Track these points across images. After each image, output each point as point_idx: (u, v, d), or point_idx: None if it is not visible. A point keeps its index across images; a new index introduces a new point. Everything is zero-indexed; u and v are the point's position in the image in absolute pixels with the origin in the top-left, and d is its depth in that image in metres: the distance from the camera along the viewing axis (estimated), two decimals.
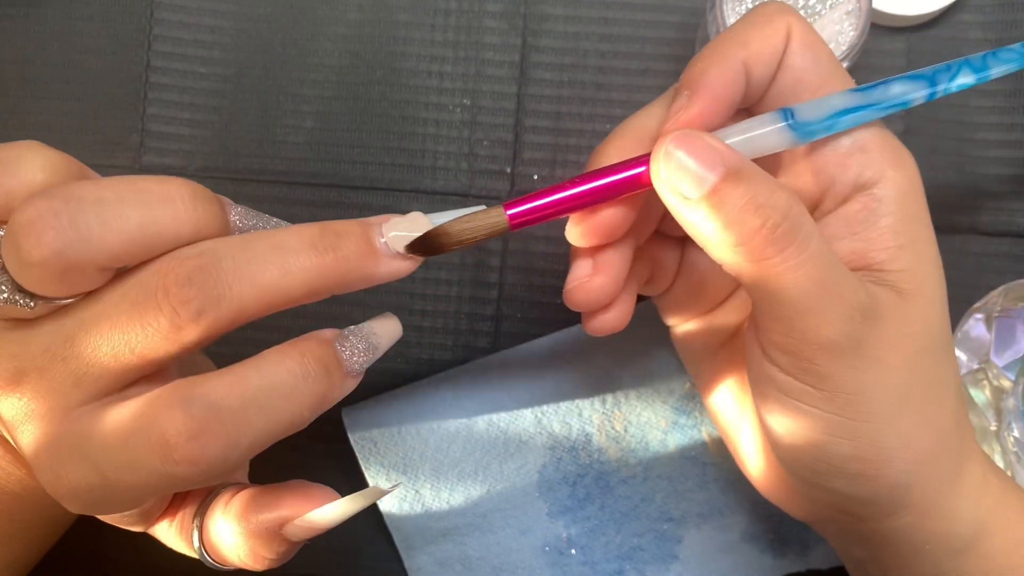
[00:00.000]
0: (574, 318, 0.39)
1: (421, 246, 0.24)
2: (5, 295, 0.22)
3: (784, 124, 0.24)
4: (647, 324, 0.38)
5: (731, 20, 0.35)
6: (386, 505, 0.38)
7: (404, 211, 0.39)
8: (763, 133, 0.25)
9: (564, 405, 0.38)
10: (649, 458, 0.38)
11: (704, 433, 0.38)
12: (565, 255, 0.40)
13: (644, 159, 0.25)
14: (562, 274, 0.40)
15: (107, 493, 0.23)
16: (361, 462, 0.38)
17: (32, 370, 0.22)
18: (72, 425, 0.22)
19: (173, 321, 0.22)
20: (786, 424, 0.26)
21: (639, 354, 0.38)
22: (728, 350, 0.31)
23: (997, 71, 0.26)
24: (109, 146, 0.41)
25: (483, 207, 0.25)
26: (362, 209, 0.40)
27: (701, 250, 0.30)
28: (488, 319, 0.40)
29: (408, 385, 0.38)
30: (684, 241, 0.31)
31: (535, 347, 0.38)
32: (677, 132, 0.23)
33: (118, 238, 0.21)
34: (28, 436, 0.23)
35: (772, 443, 0.27)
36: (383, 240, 0.24)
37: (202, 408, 0.21)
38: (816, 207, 0.26)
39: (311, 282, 0.23)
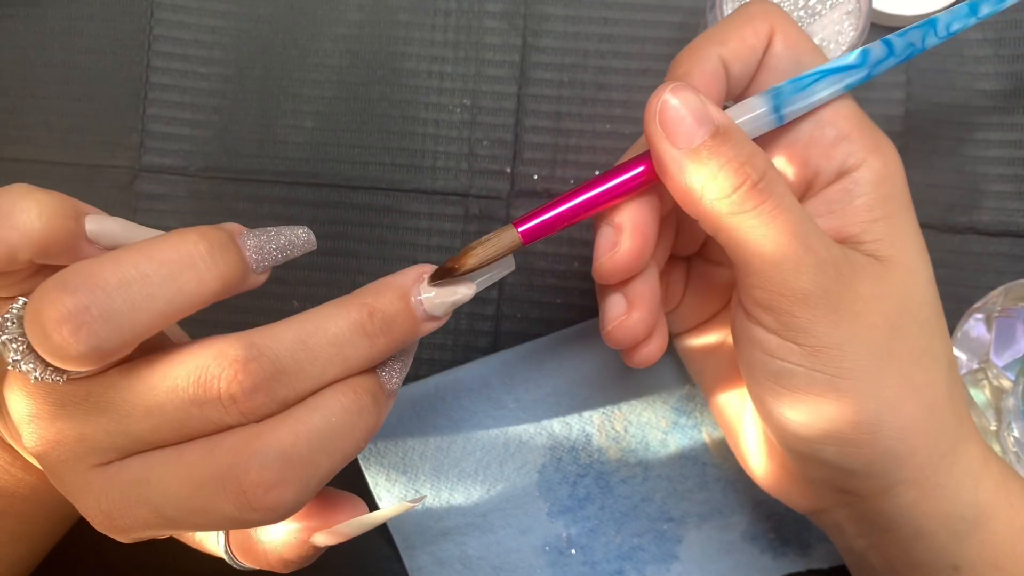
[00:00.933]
0: (574, 318, 0.39)
1: (441, 276, 0.25)
2: (36, 374, 0.21)
3: (762, 96, 0.26)
4: None
5: None
6: (387, 504, 0.38)
7: (404, 211, 0.40)
8: (744, 107, 0.26)
9: (564, 405, 0.38)
10: (649, 458, 0.38)
11: (704, 433, 0.38)
12: (565, 255, 0.40)
13: (639, 161, 0.26)
14: (562, 274, 0.40)
15: (167, 530, 0.23)
16: (361, 461, 0.38)
17: (71, 434, 0.22)
18: (120, 472, 0.23)
19: (239, 421, 0.22)
20: (775, 391, 0.26)
21: None
22: (727, 351, 0.32)
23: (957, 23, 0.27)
24: (109, 146, 0.41)
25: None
26: (363, 209, 0.40)
27: (705, 262, 0.32)
28: (488, 319, 0.40)
29: (408, 385, 0.38)
30: (689, 260, 0.32)
31: (535, 347, 0.38)
32: (676, 83, 0.25)
33: (149, 318, 0.21)
34: (68, 483, 0.23)
35: (764, 417, 0.28)
36: (419, 301, 0.24)
37: (276, 460, 0.22)
38: (803, 196, 0.28)
39: (367, 365, 0.24)
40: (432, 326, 0.25)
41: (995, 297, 0.36)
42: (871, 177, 0.26)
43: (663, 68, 0.40)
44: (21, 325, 0.21)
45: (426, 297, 0.24)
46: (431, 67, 0.40)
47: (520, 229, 0.25)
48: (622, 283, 0.28)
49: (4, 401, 0.24)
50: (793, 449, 0.27)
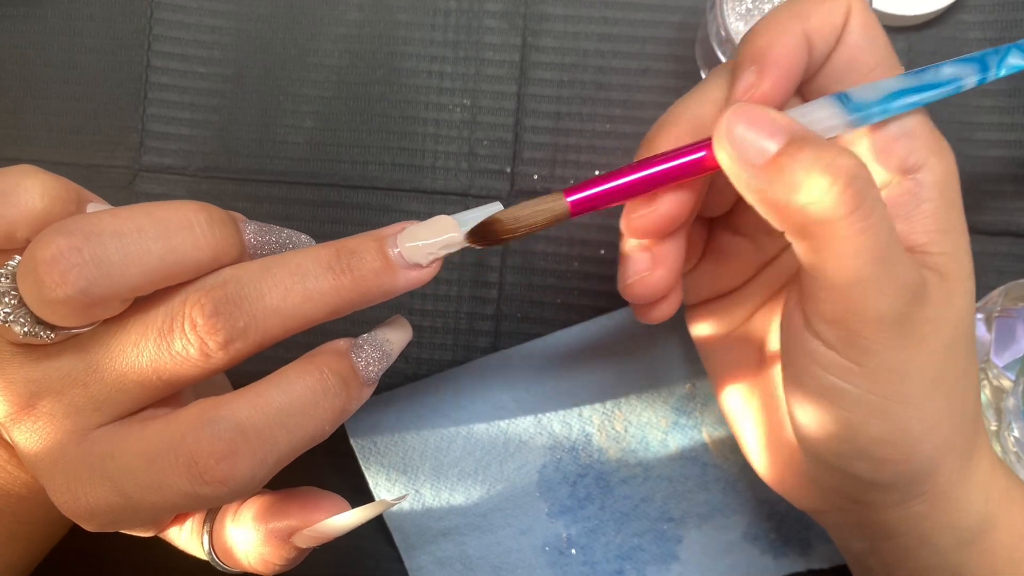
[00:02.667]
0: (574, 318, 0.39)
1: (480, 235, 0.24)
2: (25, 328, 0.22)
3: (840, 107, 0.24)
4: (648, 325, 0.38)
5: (731, 20, 0.35)
6: None
7: (404, 211, 0.40)
8: (819, 116, 0.24)
9: (564, 405, 0.38)
10: (649, 458, 0.38)
11: (704, 433, 0.38)
12: (565, 255, 0.40)
13: (701, 145, 0.25)
14: (562, 274, 0.40)
15: (128, 513, 0.23)
16: (361, 462, 0.38)
17: (49, 393, 0.23)
18: (90, 446, 0.23)
19: (202, 350, 0.22)
20: (818, 403, 0.25)
21: (640, 354, 0.38)
22: (742, 335, 0.31)
23: None
24: (109, 146, 0.41)
25: (499, 208, 0.25)
26: (362, 209, 0.40)
27: (727, 230, 0.30)
28: (488, 319, 0.40)
29: (408, 385, 0.38)
30: (711, 221, 0.31)
31: (535, 347, 0.38)
32: (736, 106, 0.23)
33: (140, 270, 0.21)
34: (42, 457, 0.23)
35: (796, 424, 0.27)
36: (397, 251, 0.24)
37: (229, 429, 0.22)
38: None
39: (332, 303, 0.23)
40: (414, 276, 0.24)
41: (995, 297, 0.36)
42: (935, 180, 0.25)
43: (663, 68, 0.40)
44: (14, 281, 0.21)
45: (406, 245, 0.24)
46: (431, 67, 0.40)
47: (570, 199, 0.24)
48: (653, 241, 0.27)
49: None
50: (820, 458, 0.27)
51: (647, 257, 0.27)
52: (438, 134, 0.40)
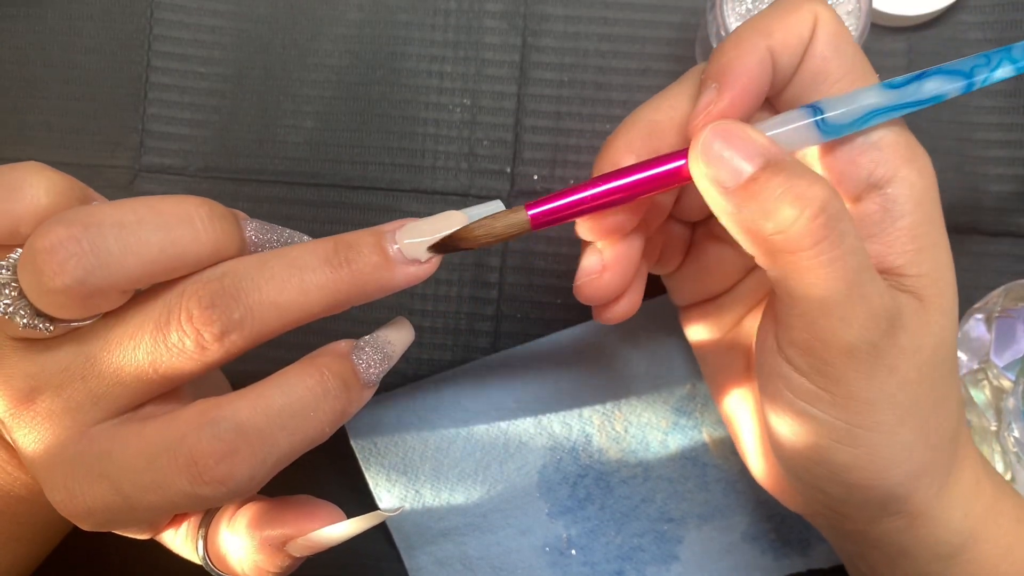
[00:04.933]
0: (574, 318, 0.39)
1: (442, 247, 0.24)
2: (25, 320, 0.22)
3: (812, 121, 0.24)
4: (648, 325, 0.38)
5: (731, 20, 0.35)
6: (386, 504, 0.38)
7: (404, 211, 0.40)
8: (790, 130, 0.24)
9: (564, 405, 0.38)
10: (649, 459, 0.38)
11: (705, 434, 0.38)
12: (565, 255, 0.40)
13: (665, 158, 0.25)
14: (562, 274, 0.40)
15: (125, 512, 0.23)
16: (361, 462, 0.38)
17: (47, 388, 0.23)
18: (88, 444, 0.23)
19: (198, 342, 0.22)
20: (789, 425, 0.25)
21: (640, 355, 0.38)
22: (733, 339, 0.31)
23: None
24: (109, 146, 0.41)
25: (500, 208, 0.25)
26: (362, 209, 0.40)
27: (709, 236, 0.30)
28: (488, 319, 0.40)
29: (408, 385, 0.38)
30: (694, 225, 0.31)
31: (535, 347, 0.38)
32: (716, 122, 0.23)
33: (139, 261, 0.21)
34: (40, 454, 0.23)
35: (772, 441, 0.27)
36: (396, 247, 0.24)
37: (229, 429, 0.22)
38: None
39: (329, 298, 0.23)
40: (412, 271, 0.24)
41: (995, 297, 0.36)
42: (909, 194, 0.24)
43: (663, 68, 0.40)
44: (15, 273, 0.21)
45: (405, 241, 0.24)
46: (431, 67, 0.40)
47: (531, 212, 0.25)
48: (605, 244, 0.27)
49: None
50: (796, 477, 0.27)
51: (597, 260, 0.27)
52: (438, 134, 0.40)
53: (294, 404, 0.23)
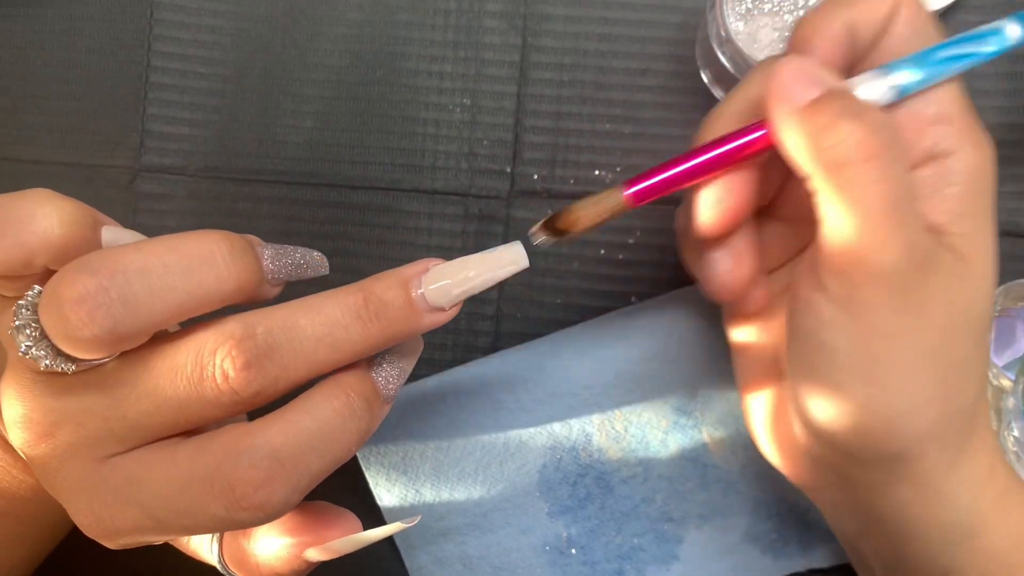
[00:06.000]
0: (574, 318, 0.39)
1: (547, 230, 0.25)
2: (47, 361, 0.21)
3: (879, 71, 0.25)
4: (648, 324, 0.38)
5: (731, 20, 0.35)
6: (387, 504, 0.38)
7: (404, 211, 0.40)
8: (859, 84, 0.25)
9: (564, 404, 0.38)
10: (650, 458, 0.38)
11: (705, 434, 0.38)
12: (565, 255, 0.40)
13: (752, 128, 0.26)
14: (563, 274, 0.40)
15: (156, 534, 0.23)
16: (361, 461, 0.38)
17: (68, 423, 0.23)
18: (110, 471, 0.23)
19: (232, 399, 0.22)
20: (813, 364, 0.26)
21: (640, 354, 0.38)
22: (772, 309, 0.31)
23: None
24: (109, 146, 0.41)
25: (519, 249, 0.25)
26: (362, 209, 0.40)
27: (769, 217, 0.31)
28: (488, 319, 0.40)
29: (408, 385, 0.38)
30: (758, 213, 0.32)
31: (535, 347, 0.38)
32: (790, 57, 0.24)
33: (166, 307, 0.21)
34: (60, 482, 0.23)
35: (793, 386, 0.27)
36: (420, 292, 0.24)
37: (265, 457, 0.22)
38: None
39: (360, 351, 0.24)
40: (437, 318, 0.24)
41: (995, 297, 0.36)
42: (965, 168, 0.25)
43: (663, 68, 0.40)
44: (35, 312, 0.21)
45: (430, 288, 0.24)
46: (431, 67, 0.40)
47: (627, 192, 0.25)
48: (724, 238, 0.28)
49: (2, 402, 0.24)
50: (810, 425, 0.27)
51: (726, 256, 0.28)
52: (438, 134, 0.40)
53: (323, 427, 0.23)
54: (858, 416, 0.25)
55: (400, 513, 0.38)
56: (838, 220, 0.24)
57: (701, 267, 0.29)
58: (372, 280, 0.24)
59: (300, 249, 0.25)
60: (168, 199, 0.40)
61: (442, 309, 0.24)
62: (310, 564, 0.26)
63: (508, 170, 0.40)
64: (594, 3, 0.40)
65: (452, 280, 0.24)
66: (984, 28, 0.25)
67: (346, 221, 0.40)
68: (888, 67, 0.25)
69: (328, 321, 0.23)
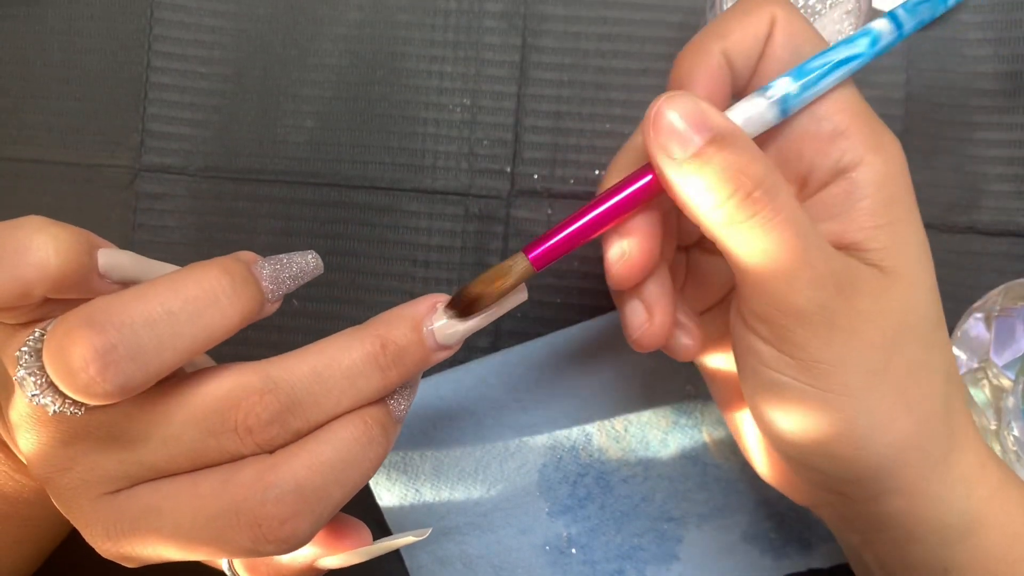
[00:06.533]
0: (574, 318, 0.39)
1: (455, 305, 0.25)
2: (55, 408, 0.21)
3: (759, 92, 0.25)
4: None
5: None
6: (387, 503, 0.38)
7: (404, 211, 0.40)
8: (743, 109, 0.25)
9: (564, 404, 0.38)
10: (650, 458, 0.38)
11: (705, 433, 0.38)
12: (565, 255, 0.40)
13: (640, 174, 0.25)
14: (562, 274, 0.40)
15: (177, 557, 0.23)
16: None
17: (83, 462, 0.23)
18: (128, 500, 0.23)
19: (252, 451, 0.23)
20: (768, 400, 0.26)
21: (640, 354, 0.38)
22: (727, 340, 0.31)
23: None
24: (109, 146, 0.41)
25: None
26: (362, 209, 0.40)
27: (703, 253, 0.31)
28: None
29: None
30: (688, 249, 0.32)
31: (535, 347, 0.38)
32: (671, 92, 0.24)
33: (175, 355, 0.21)
34: (75, 512, 0.23)
35: (759, 424, 0.27)
36: (429, 329, 0.24)
37: (290, 492, 0.22)
38: (799, 194, 0.26)
39: (378, 396, 0.24)
40: (443, 355, 0.25)
41: (995, 297, 0.36)
42: (872, 178, 0.25)
43: (663, 68, 0.40)
44: (38, 358, 0.21)
45: (438, 327, 0.24)
46: (431, 67, 0.40)
47: (531, 256, 0.25)
48: (637, 288, 0.28)
49: (5, 407, 0.24)
50: (784, 454, 0.27)
51: (639, 307, 0.28)
52: (438, 134, 0.40)
53: (344, 457, 0.23)
54: (824, 444, 0.25)
55: (400, 513, 0.38)
56: (743, 271, 0.24)
57: (621, 318, 0.29)
58: (386, 324, 0.24)
59: (295, 257, 0.25)
60: (168, 199, 0.40)
61: (448, 347, 0.25)
62: (320, 571, 0.27)
63: (508, 170, 0.40)
64: (594, 3, 0.40)
65: (461, 323, 0.25)
66: (858, 31, 0.25)
67: (346, 221, 0.40)
68: (766, 86, 0.25)
69: (349, 373, 0.23)
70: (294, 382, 0.23)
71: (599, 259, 0.39)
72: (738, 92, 0.26)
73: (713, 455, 0.38)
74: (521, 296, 0.26)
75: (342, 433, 0.23)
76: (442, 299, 0.25)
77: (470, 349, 0.39)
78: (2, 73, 0.41)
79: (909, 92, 0.39)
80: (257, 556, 0.23)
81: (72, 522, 0.23)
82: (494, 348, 0.39)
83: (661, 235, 0.27)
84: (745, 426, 0.31)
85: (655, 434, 0.38)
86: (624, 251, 0.26)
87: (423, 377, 0.38)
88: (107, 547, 0.23)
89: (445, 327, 0.24)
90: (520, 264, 0.25)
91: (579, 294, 0.40)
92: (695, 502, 0.38)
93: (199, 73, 0.41)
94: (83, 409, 0.22)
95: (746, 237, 0.23)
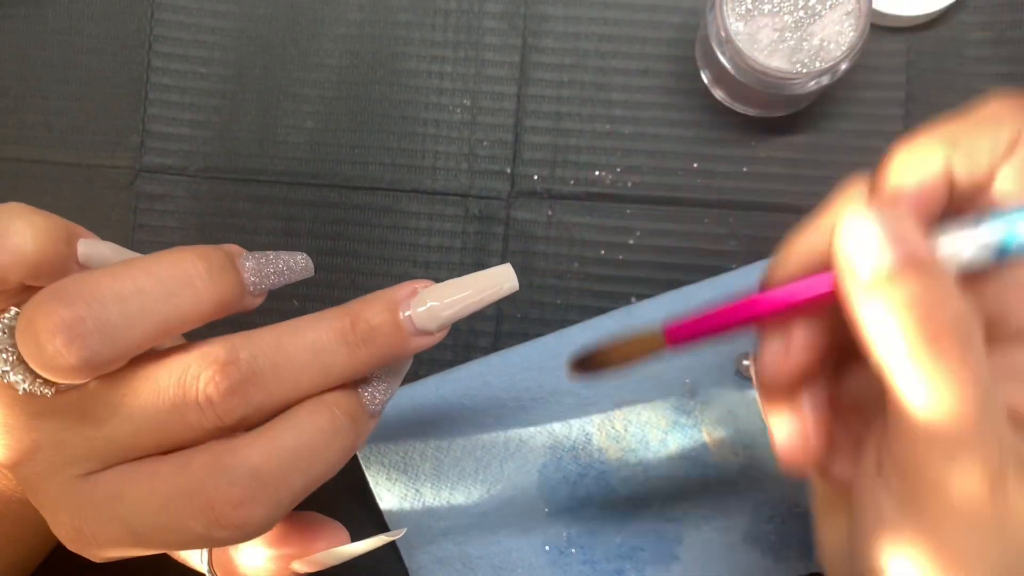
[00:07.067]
0: (574, 318, 0.39)
1: (582, 366, 0.24)
2: (25, 386, 0.21)
3: (980, 223, 0.20)
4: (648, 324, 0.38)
5: (731, 20, 0.35)
6: (387, 504, 0.38)
7: (404, 211, 0.40)
8: (956, 236, 0.21)
9: (564, 404, 0.38)
10: (649, 458, 0.38)
11: (704, 433, 0.38)
12: (565, 255, 0.40)
13: (815, 281, 0.22)
14: (562, 274, 0.40)
15: (137, 549, 0.23)
16: (362, 461, 0.38)
17: (50, 444, 0.22)
18: (93, 488, 0.23)
19: (215, 424, 0.22)
20: (871, 556, 0.22)
21: None
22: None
23: None
24: (109, 146, 0.41)
25: (508, 272, 0.25)
26: (362, 209, 0.40)
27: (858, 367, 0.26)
28: (488, 319, 0.40)
29: (409, 385, 0.38)
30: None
31: (535, 347, 0.38)
32: (877, 206, 0.21)
33: (143, 333, 0.21)
34: (42, 497, 0.23)
35: (854, 562, 0.23)
36: (407, 314, 0.24)
37: (245, 475, 0.22)
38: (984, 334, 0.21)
39: (346, 375, 0.23)
40: (424, 342, 0.24)
41: None
42: None
43: (663, 68, 0.40)
44: (12, 336, 0.21)
45: (417, 311, 0.24)
46: (431, 67, 0.40)
47: (668, 340, 0.24)
48: (789, 396, 0.24)
49: None
50: None
51: (788, 419, 0.24)
52: (438, 134, 0.40)
53: (307, 444, 0.23)
54: None
55: (400, 514, 0.38)
56: (902, 414, 0.20)
57: (773, 443, 0.25)
58: (360, 303, 0.24)
59: (283, 255, 0.24)
60: (168, 199, 0.40)
61: (430, 333, 0.24)
62: (297, 574, 0.26)
63: (508, 171, 0.40)
64: (594, 3, 0.40)
65: (441, 303, 0.24)
66: None
67: (346, 221, 0.40)
68: (989, 217, 0.20)
69: (315, 346, 0.23)
70: (256, 352, 0.22)
71: (599, 260, 0.40)
72: (954, 212, 0.22)
73: (713, 455, 0.38)
74: (512, 286, 0.25)
75: (306, 419, 0.23)
76: (423, 283, 0.24)
77: (470, 349, 0.39)
78: (2, 73, 0.41)
79: (909, 93, 0.39)
80: (212, 544, 0.23)
81: (41, 512, 0.23)
82: (494, 348, 0.39)
83: (824, 339, 0.23)
84: (829, 534, 0.26)
85: (655, 434, 0.38)
86: (784, 346, 0.23)
87: (423, 377, 0.38)
88: (71, 536, 0.23)
89: (425, 310, 0.24)
90: (655, 341, 0.24)
91: (579, 295, 0.40)
92: (695, 502, 0.38)
93: (199, 73, 0.41)
94: (53, 389, 0.22)
95: (920, 379, 0.19)
